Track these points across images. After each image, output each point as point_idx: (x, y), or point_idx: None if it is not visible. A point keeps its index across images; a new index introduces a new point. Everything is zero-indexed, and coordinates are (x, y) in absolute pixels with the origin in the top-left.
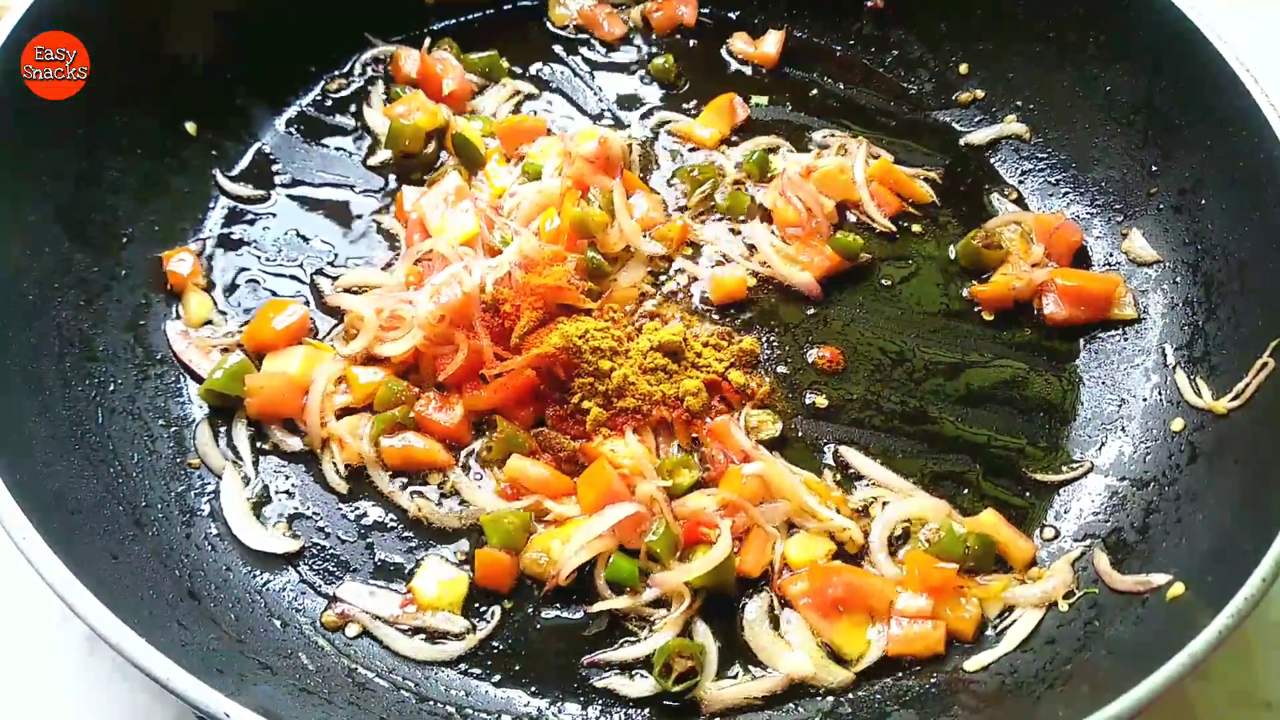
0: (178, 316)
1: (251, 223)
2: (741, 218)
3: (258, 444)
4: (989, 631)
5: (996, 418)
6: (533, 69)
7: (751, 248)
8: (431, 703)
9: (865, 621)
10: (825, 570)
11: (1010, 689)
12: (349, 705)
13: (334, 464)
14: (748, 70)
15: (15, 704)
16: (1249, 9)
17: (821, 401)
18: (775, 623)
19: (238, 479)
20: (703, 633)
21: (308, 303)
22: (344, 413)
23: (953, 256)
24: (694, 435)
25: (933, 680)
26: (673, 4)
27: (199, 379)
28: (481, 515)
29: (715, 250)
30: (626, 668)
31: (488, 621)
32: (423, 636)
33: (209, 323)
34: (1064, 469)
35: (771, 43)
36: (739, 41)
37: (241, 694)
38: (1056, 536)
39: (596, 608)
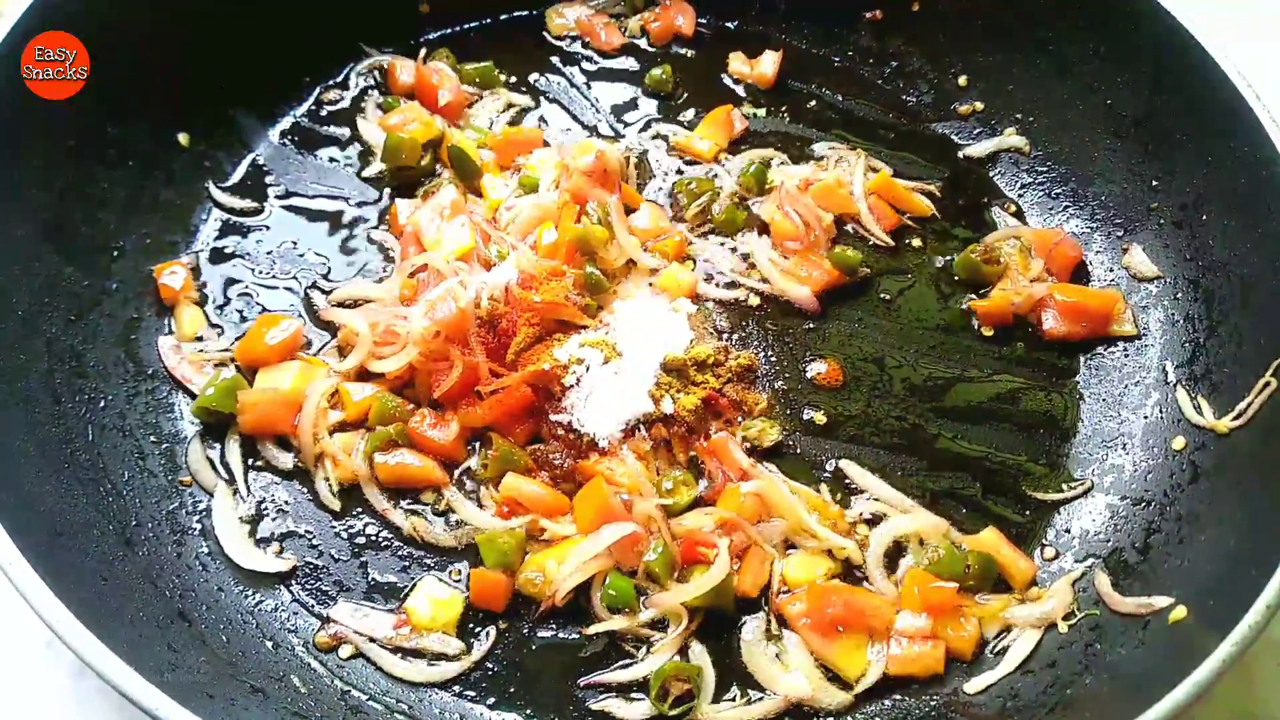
0: (170, 331)
1: (245, 235)
2: (739, 234)
3: (250, 461)
4: (988, 653)
5: (996, 434)
6: (529, 79)
7: (748, 261)
8: None
9: (864, 641)
10: (823, 590)
11: (1011, 712)
12: None
13: (327, 481)
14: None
15: None
16: (1250, 22)
17: (820, 418)
18: (774, 643)
19: (229, 497)
20: (699, 654)
21: (301, 316)
22: (337, 429)
23: (952, 271)
24: (692, 452)
25: (933, 703)
26: (670, 15)
27: (191, 395)
28: (477, 534)
29: (711, 265)
30: (623, 689)
31: (482, 642)
32: (416, 658)
33: (200, 338)
34: (1064, 487)
35: (769, 63)
36: (736, 62)
37: None
38: (1057, 556)
39: (593, 629)
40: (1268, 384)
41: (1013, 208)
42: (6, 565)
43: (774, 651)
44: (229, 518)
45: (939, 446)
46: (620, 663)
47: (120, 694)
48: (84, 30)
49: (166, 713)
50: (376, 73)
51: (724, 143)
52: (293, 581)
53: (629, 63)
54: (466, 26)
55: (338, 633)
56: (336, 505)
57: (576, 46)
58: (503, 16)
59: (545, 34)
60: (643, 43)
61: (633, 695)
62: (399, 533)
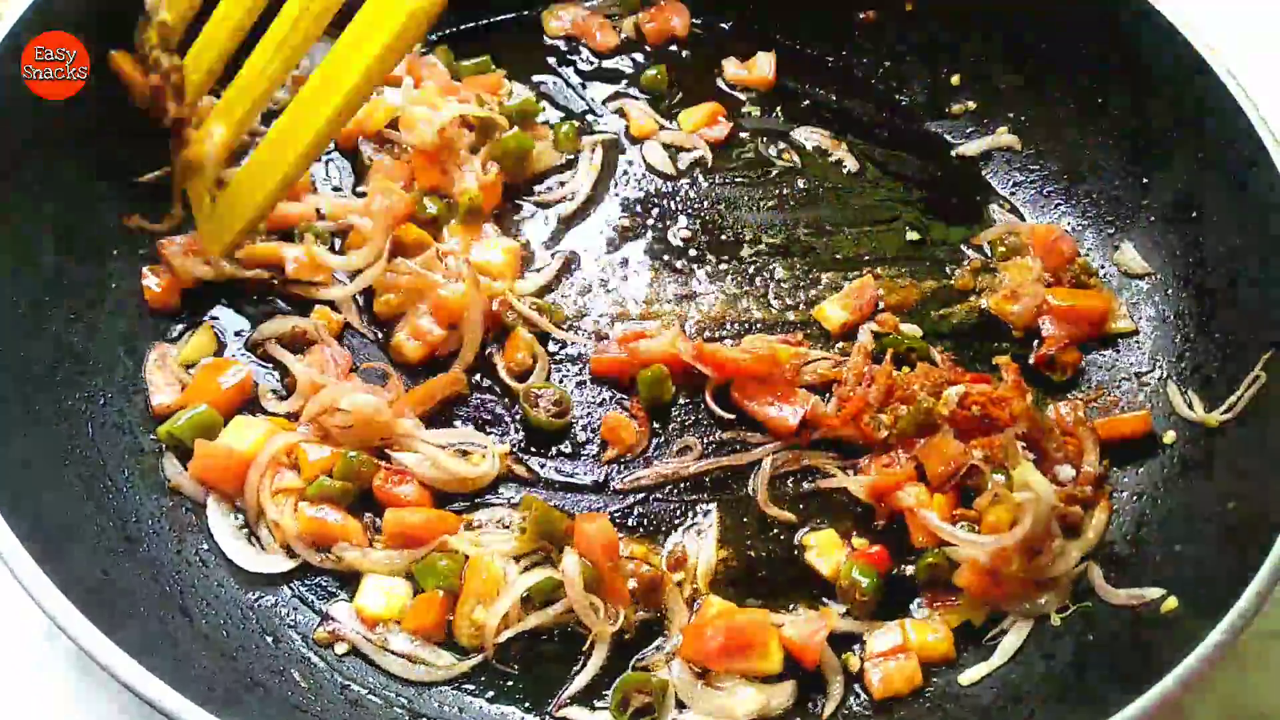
0: (170, 337)
1: None
2: None
3: None
4: (983, 643)
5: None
6: (524, 79)
7: None
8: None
9: (764, 648)
10: (697, 628)
11: (1005, 703)
12: None
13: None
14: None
15: None
16: (1241, 22)
17: None
18: (701, 680)
19: (222, 505)
20: (678, 670)
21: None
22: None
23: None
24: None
25: (927, 693)
26: (664, 15)
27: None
28: (413, 564)
29: None
30: (585, 698)
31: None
32: (411, 659)
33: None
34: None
35: (766, 65)
36: (731, 67)
37: (233, 713)
38: None
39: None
40: (1257, 378)
41: (1007, 206)
42: (9, 558)
43: (710, 684)
44: (224, 524)
45: None
46: (576, 670)
47: (123, 685)
48: (84, 30)
49: (169, 704)
50: None
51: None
52: (292, 578)
53: (624, 63)
54: (462, 27)
55: (335, 630)
56: (284, 565)
57: (572, 47)
58: (498, 18)
59: (541, 35)
60: (639, 44)
61: (596, 705)
62: None
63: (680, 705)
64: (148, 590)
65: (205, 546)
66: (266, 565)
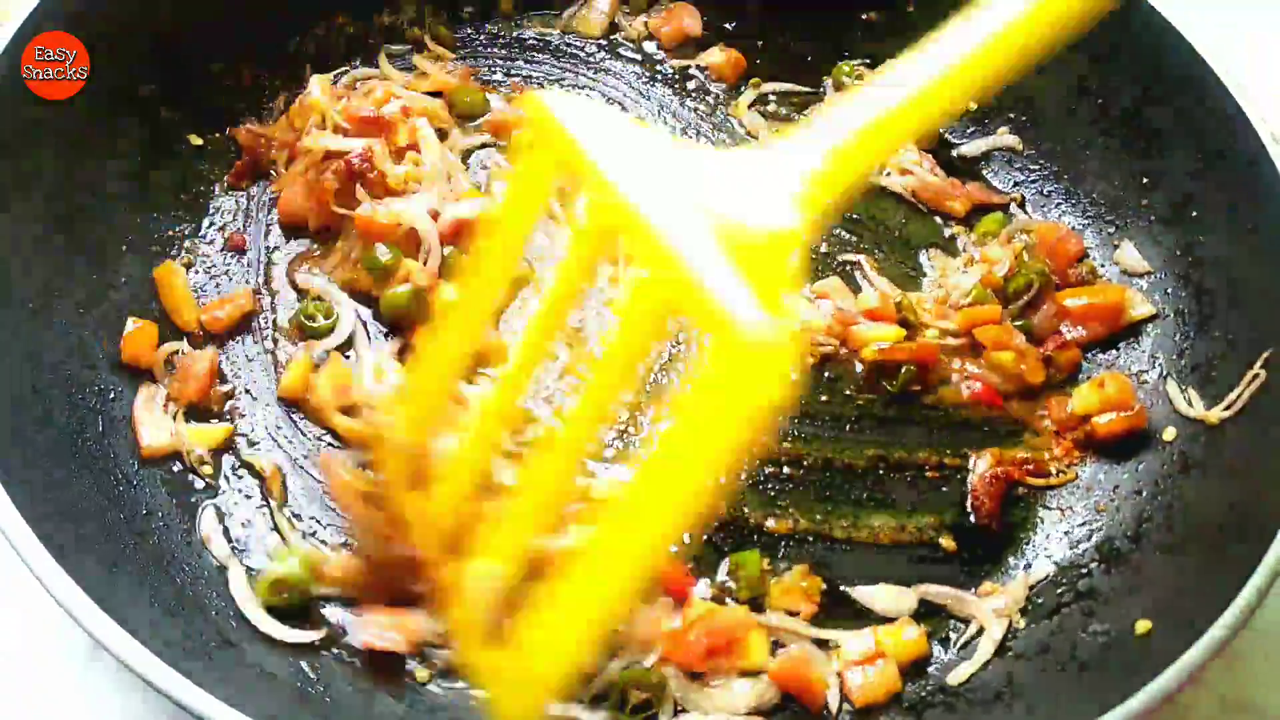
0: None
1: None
2: None
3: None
4: (959, 643)
5: (986, 423)
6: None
7: None
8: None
9: (747, 645)
10: (680, 633)
11: (1008, 696)
12: (352, 713)
13: None
14: None
15: (12, 713)
16: (1240, 23)
17: None
18: (696, 680)
19: (243, 572)
20: (672, 673)
21: None
22: None
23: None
24: None
25: (922, 693)
26: (677, 17)
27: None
28: None
29: None
30: (583, 696)
31: None
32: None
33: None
34: (1055, 474)
35: None
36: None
37: (244, 703)
38: (1047, 542)
39: None
40: (1256, 376)
41: (1012, 206)
42: (22, 549)
43: (706, 685)
44: (246, 592)
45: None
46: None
47: (133, 672)
48: (84, 30)
49: (181, 693)
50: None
51: None
52: None
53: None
54: None
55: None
56: None
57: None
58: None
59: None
60: (652, 46)
61: (594, 702)
62: None
63: (679, 705)
64: (157, 581)
65: None
66: (292, 635)
